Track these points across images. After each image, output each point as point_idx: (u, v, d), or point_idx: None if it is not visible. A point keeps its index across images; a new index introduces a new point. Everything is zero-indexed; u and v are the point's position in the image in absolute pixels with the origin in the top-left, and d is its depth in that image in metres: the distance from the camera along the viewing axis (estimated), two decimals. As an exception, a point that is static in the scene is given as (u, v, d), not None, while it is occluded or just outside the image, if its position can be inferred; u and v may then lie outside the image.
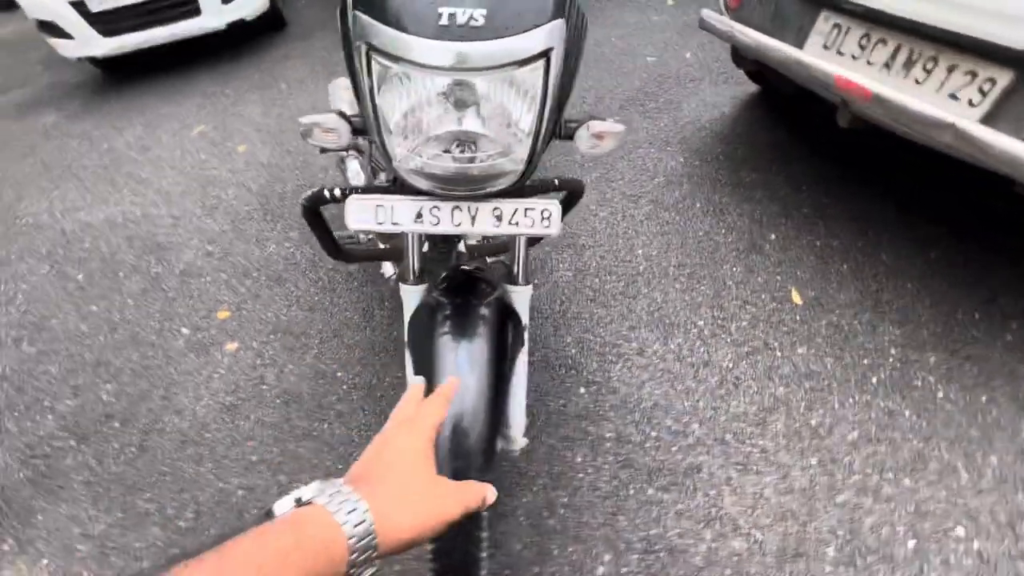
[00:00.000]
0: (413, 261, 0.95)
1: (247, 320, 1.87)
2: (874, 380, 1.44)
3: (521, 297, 0.97)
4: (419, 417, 0.48)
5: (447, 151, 0.73)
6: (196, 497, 1.41)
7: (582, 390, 1.51)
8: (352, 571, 0.37)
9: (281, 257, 2.11)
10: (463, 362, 0.77)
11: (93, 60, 3.71)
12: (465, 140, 0.71)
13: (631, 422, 1.42)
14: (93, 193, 2.66)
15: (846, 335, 1.55)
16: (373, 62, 0.65)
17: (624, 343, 1.61)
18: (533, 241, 1.43)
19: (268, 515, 0.39)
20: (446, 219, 0.79)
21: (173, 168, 2.75)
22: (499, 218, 0.79)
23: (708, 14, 2.05)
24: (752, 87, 2.57)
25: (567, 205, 1.37)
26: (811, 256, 1.79)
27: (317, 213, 1.01)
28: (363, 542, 0.37)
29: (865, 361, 1.48)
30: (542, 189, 1.15)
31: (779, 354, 1.53)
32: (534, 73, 0.65)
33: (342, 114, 0.79)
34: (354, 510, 0.38)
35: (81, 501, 1.45)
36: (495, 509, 1.28)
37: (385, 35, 0.62)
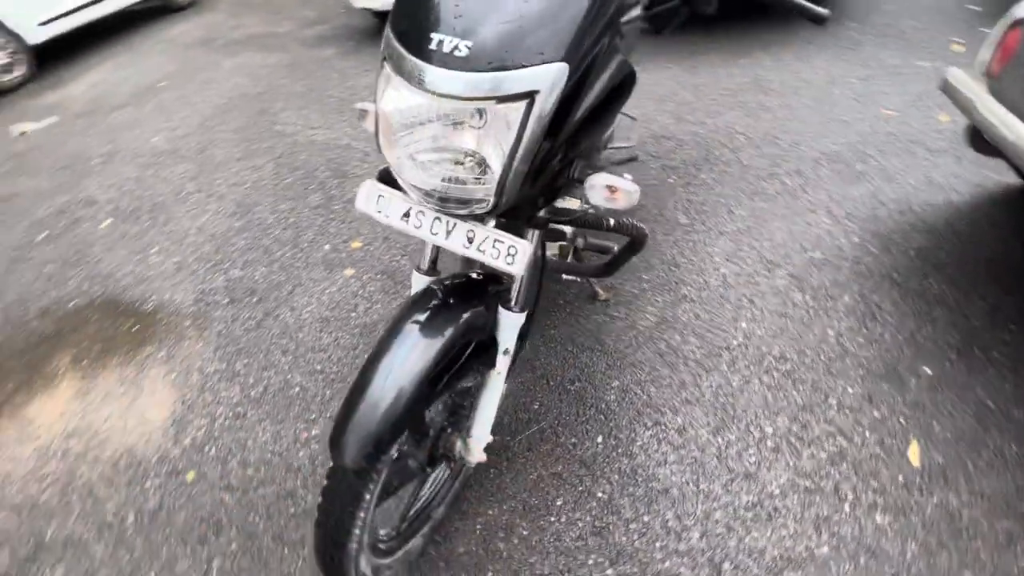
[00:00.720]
0: (427, 252, 1.01)
1: (369, 255, 2.17)
2: (967, 604, 1.06)
3: (508, 322, 0.96)
4: None
5: (460, 163, 0.76)
6: (270, 378, 1.75)
7: (599, 439, 1.43)
8: None
9: (419, 212, 2.36)
10: (397, 359, 0.80)
11: (371, 11, 4.50)
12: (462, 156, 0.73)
13: (629, 495, 1.30)
14: (325, 119, 3.29)
15: (960, 531, 1.16)
16: (383, 70, 0.71)
17: (668, 413, 1.45)
18: (621, 259, 1.28)
19: None
20: (426, 226, 0.82)
21: (383, 113, 3.24)
22: (470, 240, 0.80)
23: (956, 75, 1.60)
24: (1013, 180, 1.95)
25: (628, 252, 1.27)
26: (968, 415, 1.35)
27: (389, 183, 1.13)
28: None
29: (968, 574, 1.10)
30: (595, 226, 1.10)
31: (848, 508, 1.22)
32: (513, 112, 0.64)
33: (389, 106, 0.87)
34: None
35: (210, 345, 1.90)
36: (462, 493, 1.31)
37: (391, 48, 0.68)
